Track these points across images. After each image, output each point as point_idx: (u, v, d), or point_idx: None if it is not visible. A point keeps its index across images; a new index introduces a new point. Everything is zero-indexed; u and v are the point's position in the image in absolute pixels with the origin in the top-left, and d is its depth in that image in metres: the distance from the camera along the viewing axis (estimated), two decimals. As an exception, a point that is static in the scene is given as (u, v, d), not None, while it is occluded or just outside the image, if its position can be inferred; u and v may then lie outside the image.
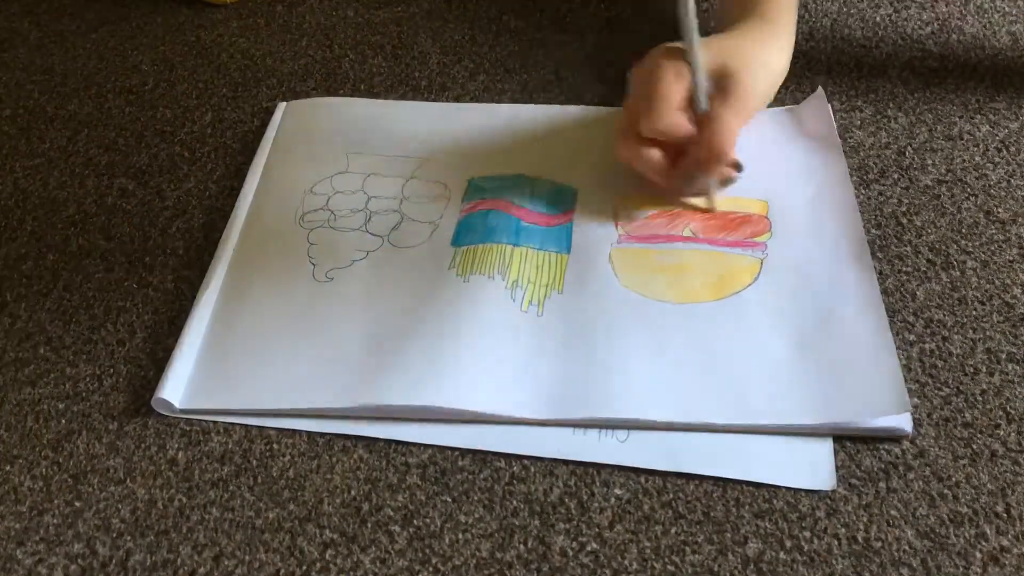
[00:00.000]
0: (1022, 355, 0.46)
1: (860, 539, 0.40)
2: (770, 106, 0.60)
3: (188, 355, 0.48)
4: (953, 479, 0.42)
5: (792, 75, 0.63)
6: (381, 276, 0.51)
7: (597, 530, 0.41)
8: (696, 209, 0.53)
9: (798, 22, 0.67)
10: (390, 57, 0.67)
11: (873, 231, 0.52)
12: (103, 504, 0.43)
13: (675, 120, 0.50)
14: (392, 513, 0.42)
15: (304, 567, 0.40)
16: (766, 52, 0.54)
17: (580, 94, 0.63)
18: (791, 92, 0.61)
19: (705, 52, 0.50)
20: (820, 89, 0.59)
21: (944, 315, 0.48)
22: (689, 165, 0.51)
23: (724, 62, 0.51)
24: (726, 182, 0.53)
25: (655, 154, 0.51)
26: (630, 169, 0.53)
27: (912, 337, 0.47)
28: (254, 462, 0.44)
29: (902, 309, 0.48)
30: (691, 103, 0.51)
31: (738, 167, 0.52)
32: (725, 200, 0.54)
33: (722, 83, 0.51)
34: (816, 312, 0.47)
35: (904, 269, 0.50)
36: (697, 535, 0.41)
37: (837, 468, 0.42)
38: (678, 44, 0.50)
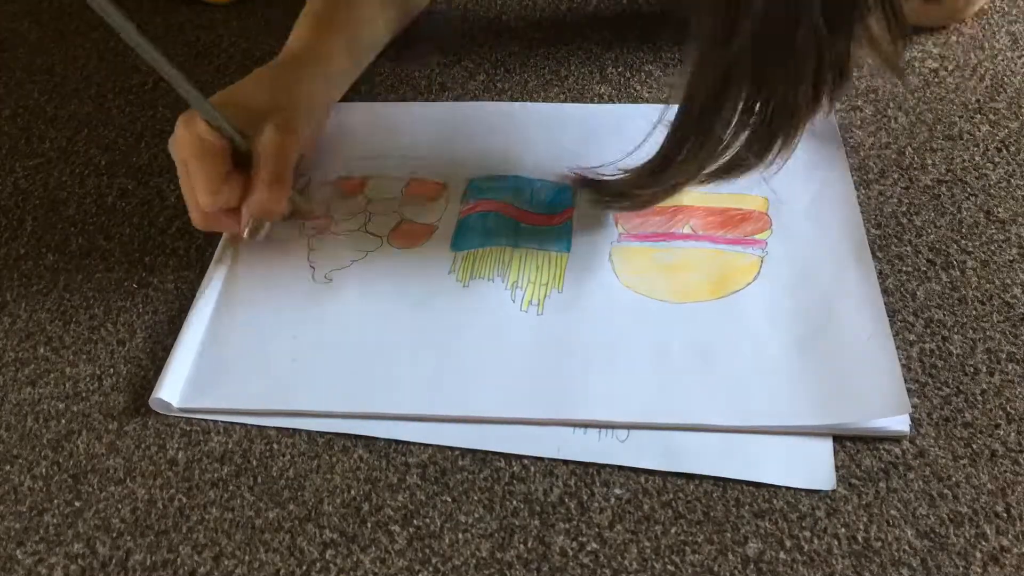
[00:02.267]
0: (1022, 355, 0.46)
1: (860, 539, 0.40)
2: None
3: (187, 355, 0.48)
4: (953, 479, 0.42)
5: (792, 75, 0.63)
6: (380, 277, 0.51)
7: (597, 530, 0.41)
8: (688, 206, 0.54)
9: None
10: (390, 57, 0.67)
11: (873, 231, 0.52)
12: (103, 504, 0.43)
13: (228, 194, 0.49)
14: (392, 513, 0.42)
15: (304, 567, 0.40)
16: (301, 80, 0.55)
17: (580, 94, 0.63)
18: (791, 92, 0.61)
19: (235, 97, 0.51)
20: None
21: (944, 315, 0.48)
22: (250, 216, 0.50)
23: (260, 104, 0.51)
24: (302, 188, 0.54)
25: (224, 219, 0.50)
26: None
27: (912, 337, 0.47)
28: (254, 462, 0.44)
29: (902, 309, 0.48)
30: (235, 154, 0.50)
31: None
32: (725, 196, 0.54)
33: (259, 124, 0.50)
34: (816, 311, 0.47)
35: (904, 269, 0.50)
36: (697, 535, 0.41)
37: (837, 468, 0.42)
38: (179, 129, 0.49)
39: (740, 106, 0.40)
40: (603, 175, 0.51)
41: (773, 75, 0.39)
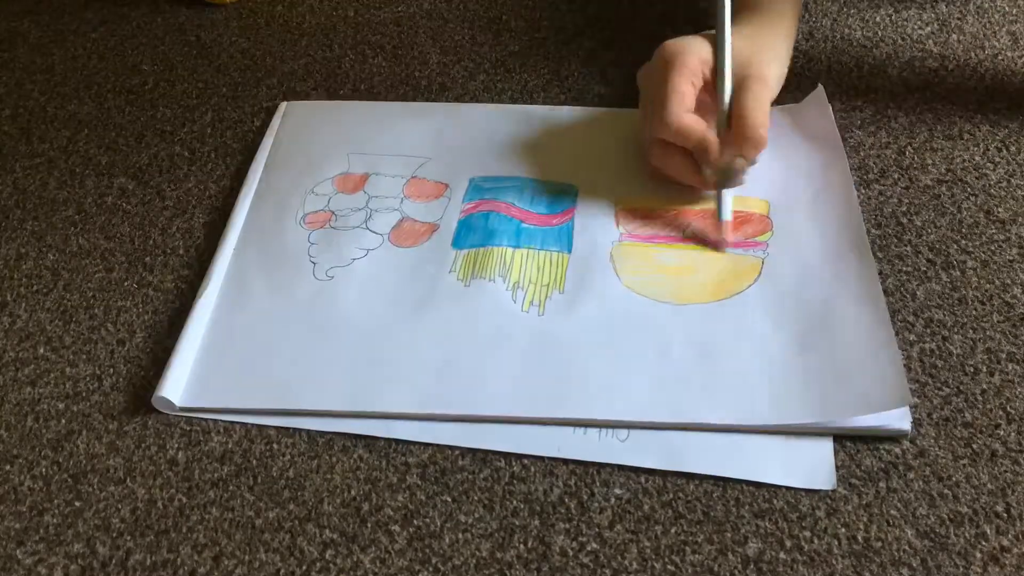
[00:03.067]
0: (1022, 355, 0.46)
1: (860, 539, 0.40)
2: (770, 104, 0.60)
3: (188, 354, 0.48)
4: (953, 479, 0.42)
5: (792, 75, 0.63)
6: (381, 275, 0.51)
7: (597, 530, 0.41)
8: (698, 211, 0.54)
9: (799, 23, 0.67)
10: (390, 57, 0.67)
11: (873, 231, 0.52)
12: (103, 504, 0.43)
13: (690, 122, 0.50)
14: (392, 513, 0.42)
15: (304, 567, 0.40)
16: (776, 41, 0.55)
17: (580, 94, 0.63)
18: (791, 92, 0.61)
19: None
20: (820, 87, 0.59)
21: (944, 315, 0.48)
22: (731, 153, 0.51)
23: (742, 54, 0.52)
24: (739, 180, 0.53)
25: (681, 162, 0.52)
26: (659, 175, 0.53)
27: (912, 337, 0.47)
28: (254, 462, 0.44)
29: (902, 309, 0.48)
30: (702, 102, 0.51)
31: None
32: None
33: (742, 74, 0.51)
34: (817, 312, 0.47)
35: (904, 269, 0.50)
36: (697, 535, 0.41)
37: (837, 468, 0.42)
38: (681, 40, 0.51)
39: None
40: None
41: None
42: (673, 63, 0.51)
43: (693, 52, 0.51)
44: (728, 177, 0.51)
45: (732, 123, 0.50)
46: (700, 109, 0.52)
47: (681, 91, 0.50)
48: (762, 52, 0.53)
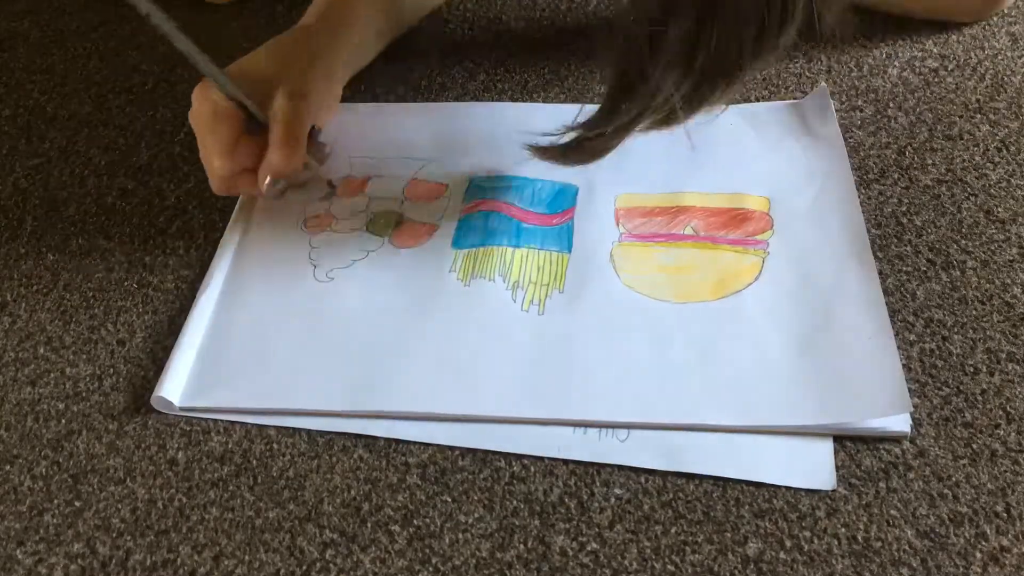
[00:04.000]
0: (1022, 355, 0.46)
1: (860, 539, 0.40)
2: (772, 101, 0.61)
3: (188, 354, 0.48)
4: (953, 479, 0.42)
5: (793, 74, 0.63)
6: (382, 277, 0.51)
7: (597, 530, 0.41)
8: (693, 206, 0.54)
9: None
10: (390, 57, 0.67)
11: (873, 231, 0.52)
12: (103, 504, 0.43)
13: (241, 156, 0.51)
14: (392, 513, 0.42)
15: (304, 567, 0.40)
16: (315, 47, 0.55)
17: (580, 94, 0.63)
18: (791, 91, 0.61)
19: (250, 67, 0.52)
20: (823, 85, 0.59)
21: (944, 315, 0.48)
22: (265, 174, 0.51)
23: (269, 71, 0.52)
24: (323, 158, 0.55)
25: (243, 181, 0.52)
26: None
27: (912, 337, 0.47)
28: (254, 462, 0.44)
29: (902, 309, 0.48)
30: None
31: (313, 132, 0.53)
32: (727, 197, 0.54)
33: (274, 90, 0.51)
34: (818, 311, 0.47)
35: (904, 269, 0.50)
36: (697, 535, 0.41)
37: (837, 468, 0.42)
38: (200, 94, 0.50)
39: (679, 48, 0.39)
40: (555, 140, 0.51)
41: (717, 12, 0.38)
42: (202, 109, 0.50)
43: (208, 101, 0.50)
44: (274, 193, 0.54)
45: (270, 140, 0.51)
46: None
47: (219, 135, 0.50)
48: (304, 65, 0.53)
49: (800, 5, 0.39)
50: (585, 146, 0.49)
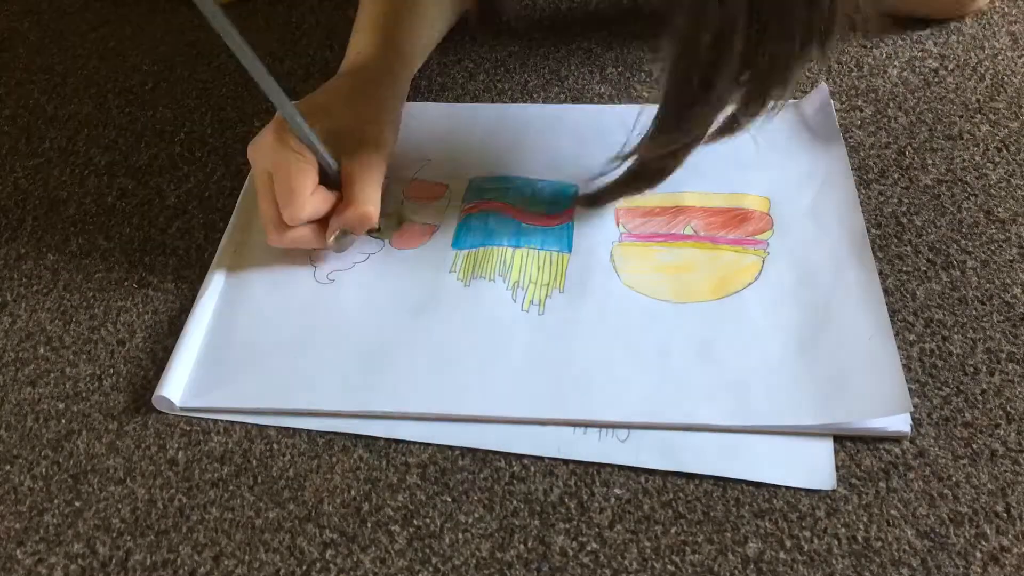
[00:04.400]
0: (1022, 355, 0.46)
1: (860, 539, 0.40)
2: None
3: (189, 353, 0.48)
4: (953, 479, 0.42)
5: (792, 75, 0.63)
6: (382, 278, 0.51)
7: (597, 530, 0.41)
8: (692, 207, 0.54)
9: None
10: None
11: (873, 231, 0.52)
12: (103, 504, 0.43)
13: (314, 208, 0.48)
14: (392, 513, 0.42)
15: (304, 567, 0.40)
16: (388, 103, 0.53)
17: (580, 94, 0.63)
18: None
19: (319, 114, 0.48)
20: (823, 85, 0.59)
21: (944, 315, 0.48)
22: (339, 225, 0.49)
23: (346, 121, 0.50)
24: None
25: (306, 233, 0.49)
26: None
27: (912, 337, 0.47)
28: (254, 462, 0.44)
29: (902, 309, 0.48)
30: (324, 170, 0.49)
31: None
32: (727, 197, 0.54)
33: (348, 140, 0.49)
34: (817, 311, 0.47)
35: (904, 269, 0.50)
36: (697, 535, 0.41)
37: (837, 468, 0.42)
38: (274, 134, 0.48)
39: (736, 64, 0.40)
40: (604, 181, 0.51)
41: (767, 29, 0.39)
42: (284, 150, 0.47)
43: (294, 149, 0.47)
44: (344, 247, 0.51)
45: (343, 194, 0.49)
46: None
47: (300, 178, 0.47)
48: (373, 113, 0.51)
49: (841, 13, 0.39)
50: (647, 171, 0.48)
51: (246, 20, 0.72)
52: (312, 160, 0.48)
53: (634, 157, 0.47)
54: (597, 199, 0.52)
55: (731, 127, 0.44)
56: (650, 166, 0.48)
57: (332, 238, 0.49)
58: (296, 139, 0.47)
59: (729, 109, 0.42)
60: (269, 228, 0.50)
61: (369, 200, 0.48)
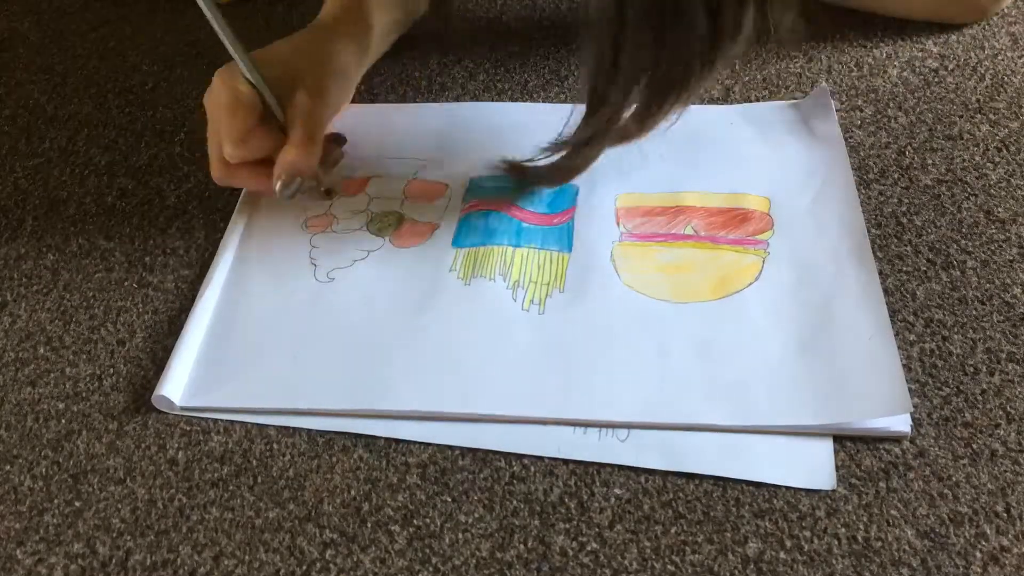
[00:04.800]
0: (1022, 355, 0.46)
1: (860, 539, 0.40)
2: (772, 101, 0.60)
3: (189, 353, 0.48)
4: (953, 479, 0.42)
5: (793, 74, 0.63)
6: (383, 276, 0.51)
7: (597, 530, 0.41)
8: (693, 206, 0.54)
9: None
10: (390, 57, 0.67)
11: (873, 231, 0.52)
12: (103, 504, 0.43)
13: (256, 145, 0.50)
14: (392, 513, 0.42)
15: (304, 567, 0.40)
16: (335, 45, 0.55)
17: (580, 94, 0.63)
18: (791, 91, 0.61)
19: (270, 60, 0.51)
20: (824, 85, 0.59)
21: (944, 315, 0.48)
22: (280, 169, 0.50)
23: (297, 68, 0.52)
24: (334, 162, 0.55)
25: (246, 172, 0.52)
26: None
27: (912, 337, 0.47)
28: (254, 462, 0.44)
29: (902, 309, 0.48)
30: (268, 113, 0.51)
31: (338, 139, 0.54)
32: (727, 197, 0.54)
33: (294, 86, 0.51)
34: (818, 311, 0.47)
35: (904, 269, 0.50)
36: (697, 535, 0.41)
37: (837, 468, 0.42)
38: (224, 74, 0.50)
39: (634, 65, 0.41)
40: (530, 162, 0.52)
41: (668, 28, 0.39)
42: (224, 90, 0.49)
43: (229, 86, 0.49)
44: (288, 191, 0.50)
45: (287, 136, 0.50)
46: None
47: (236, 116, 0.49)
48: (326, 64, 0.53)
49: (750, 18, 0.39)
50: (560, 167, 0.51)
51: (246, 20, 0.72)
52: (253, 98, 0.49)
53: (561, 152, 0.50)
54: (516, 170, 0.54)
55: (624, 135, 0.46)
56: (568, 162, 0.51)
57: (278, 182, 0.50)
58: (242, 80, 0.49)
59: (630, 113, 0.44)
60: (213, 164, 0.52)
61: (306, 140, 0.50)
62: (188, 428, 0.46)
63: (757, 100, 0.61)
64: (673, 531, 0.41)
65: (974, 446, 0.43)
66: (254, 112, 0.50)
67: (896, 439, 0.43)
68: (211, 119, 0.51)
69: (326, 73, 0.53)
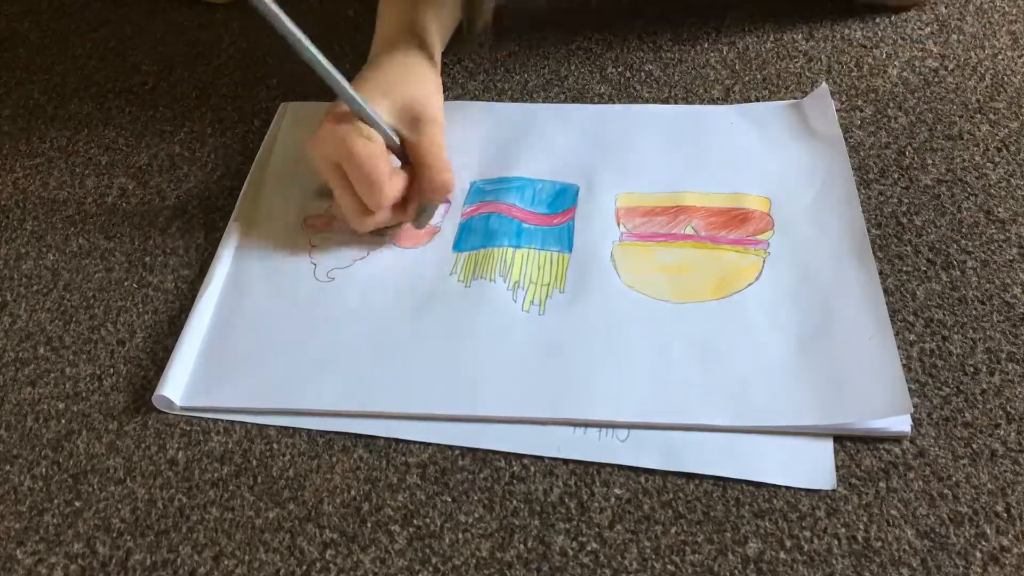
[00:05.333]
0: (1022, 355, 0.46)
1: (860, 539, 0.40)
2: (772, 101, 0.60)
3: (189, 353, 0.48)
4: (953, 479, 0.42)
5: (793, 74, 0.63)
6: (382, 277, 0.51)
7: (597, 530, 0.41)
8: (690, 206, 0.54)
9: (799, 23, 0.68)
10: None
11: (873, 231, 0.52)
12: (103, 504, 0.43)
13: (396, 189, 0.50)
14: (392, 513, 0.42)
15: (304, 567, 0.40)
16: (431, 74, 0.54)
17: (580, 94, 0.63)
18: (791, 91, 0.61)
19: (375, 94, 0.50)
20: (824, 85, 0.59)
21: (944, 315, 0.48)
22: (423, 199, 0.51)
23: (403, 98, 0.51)
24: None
25: (388, 213, 0.51)
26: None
27: (912, 337, 0.47)
28: (254, 462, 0.44)
29: (902, 309, 0.48)
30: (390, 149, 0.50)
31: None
32: (727, 197, 0.54)
33: (411, 115, 0.51)
34: (818, 311, 0.47)
35: (904, 269, 0.50)
36: (697, 535, 0.41)
37: (837, 468, 0.42)
38: (344, 105, 0.49)
39: None
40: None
41: None
42: (352, 138, 0.47)
43: (362, 135, 0.48)
44: (427, 220, 0.52)
45: (416, 170, 0.50)
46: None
47: (375, 164, 0.48)
48: (424, 88, 0.52)
49: None
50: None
51: (249, 19, 0.72)
52: (381, 143, 0.49)
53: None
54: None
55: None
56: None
57: (416, 214, 0.51)
58: (361, 124, 0.48)
59: None
60: (352, 218, 0.51)
61: (445, 167, 0.50)
62: (188, 428, 0.46)
63: (757, 100, 0.61)
64: (673, 531, 0.41)
65: (974, 446, 0.43)
66: (387, 156, 0.49)
67: (896, 439, 0.43)
68: (333, 172, 0.49)
69: (435, 97, 0.53)
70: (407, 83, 0.52)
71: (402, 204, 0.51)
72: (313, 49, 0.45)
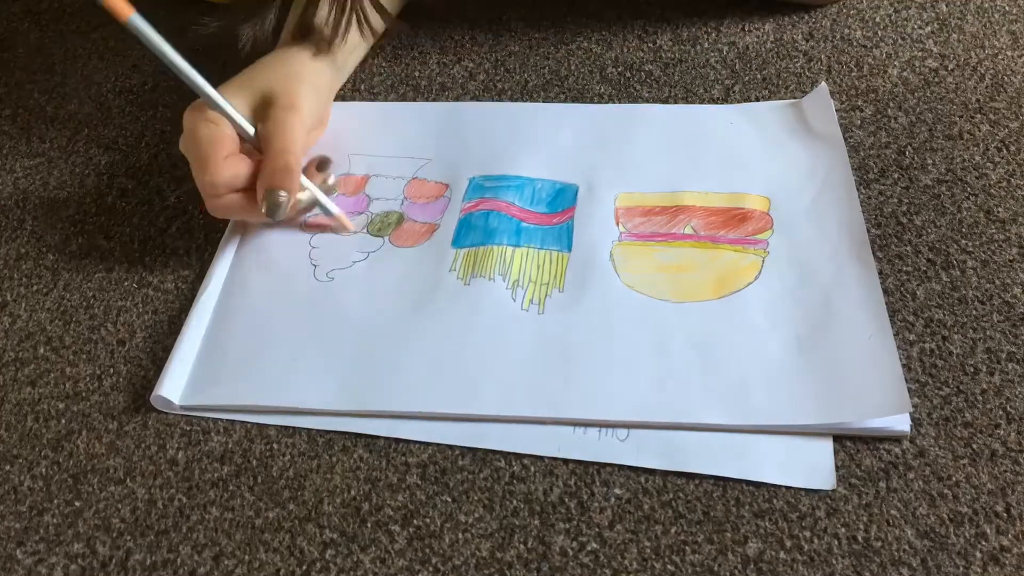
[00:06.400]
0: (1022, 355, 0.46)
1: (860, 539, 0.40)
2: (772, 100, 0.60)
3: (188, 353, 0.48)
4: (953, 479, 0.42)
5: (793, 74, 0.63)
6: (382, 277, 0.51)
7: (597, 530, 0.41)
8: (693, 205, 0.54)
9: (799, 23, 0.68)
10: (390, 57, 0.67)
11: (873, 231, 0.52)
12: (103, 504, 0.43)
13: (232, 172, 0.50)
14: (392, 513, 0.42)
15: (304, 567, 0.40)
16: (301, 62, 0.55)
17: (580, 94, 0.63)
18: (791, 91, 0.61)
19: (236, 87, 0.52)
20: (823, 84, 0.59)
21: (944, 315, 0.48)
22: (262, 184, 0.50)
23: (262, 89, 0.52)
24: (329, 189, 0.54)
25: (236, 200, 0.51)
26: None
27: (912, 337, 0.47)
28: (254, 462, 0.44)
29: (902, 309, 0.48)
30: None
31: (323, 164, 0.54)
32: (727, 196, 0.54)
33: (265, 104, 0.52)
34: (817, 311, 0.47)
35: (904, 269, 0.50)
36: (697, 535, 0.41)
37: (837, 468, 0.42)
38: (193, 112, 0.51)
39: None
40: None
41: None
42: (196, 123, 0.50)
43: (206, 120, 0.50)
44: (274, 208, 0.50)
45: (263, 155, 0.51)
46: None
47: (211, 147, 0.49)
48: (288, 79, 0.53)
49: None
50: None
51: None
52: (223, 126, 0.50)
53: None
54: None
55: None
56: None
57: (263, 202, 0.50)
58: (209, 111, 0.50)
59: None
60: (205, 200, 0.51)
61: (286, 150, 0.50)
62: (188, 428, 0.46)
63: (757, 100, 0.61)
64: (673, 531, 0.41)
65: (974, 446, 0.43)
66: (226, 140, 0.50)
67: (896, 439, 0.43)
68: (190, 158, 0.51)
69: (296, 86, 0.53)
70: (270, 75, 0.54)
71: (254, 194, 0.51)
72: (165, 47, 0.48)
